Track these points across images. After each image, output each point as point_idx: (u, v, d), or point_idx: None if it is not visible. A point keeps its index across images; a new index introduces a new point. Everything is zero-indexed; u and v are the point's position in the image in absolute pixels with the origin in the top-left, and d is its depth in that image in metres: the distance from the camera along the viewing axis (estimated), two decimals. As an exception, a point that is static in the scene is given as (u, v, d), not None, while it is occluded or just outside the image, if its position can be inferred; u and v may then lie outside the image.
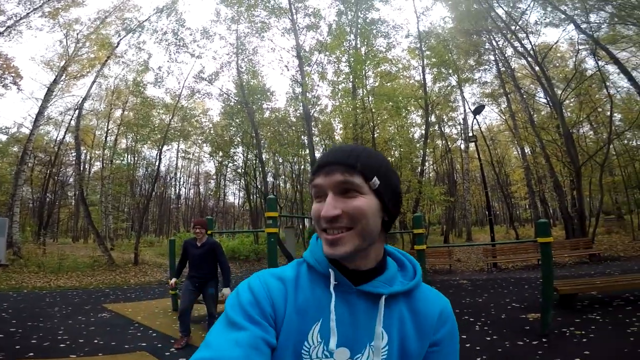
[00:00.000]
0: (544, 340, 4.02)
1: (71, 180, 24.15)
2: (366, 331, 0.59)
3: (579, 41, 13.51)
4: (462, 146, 23.33)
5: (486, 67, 19.56)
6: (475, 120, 16.42)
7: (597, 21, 12.70)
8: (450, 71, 16.51)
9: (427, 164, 20.79)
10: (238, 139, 19.63)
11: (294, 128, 20.39)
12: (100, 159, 22.49)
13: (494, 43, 17.78)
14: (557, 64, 17.96)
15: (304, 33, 15.88)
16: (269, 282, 0.62)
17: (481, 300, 6.53)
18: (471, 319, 5.13)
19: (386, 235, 0.65)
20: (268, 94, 18.09)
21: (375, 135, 14.49)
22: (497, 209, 35.14)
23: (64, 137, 21.20)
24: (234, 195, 39.03)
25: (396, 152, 17.93)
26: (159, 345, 4.39)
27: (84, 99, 15.75)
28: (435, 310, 0.64)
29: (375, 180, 0.59)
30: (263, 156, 18.69)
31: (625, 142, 17.65)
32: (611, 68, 14.33)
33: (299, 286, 0.62)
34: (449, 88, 18.26)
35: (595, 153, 13.13)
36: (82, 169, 21.96)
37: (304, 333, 0.58)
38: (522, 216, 31.50)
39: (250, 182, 21.01)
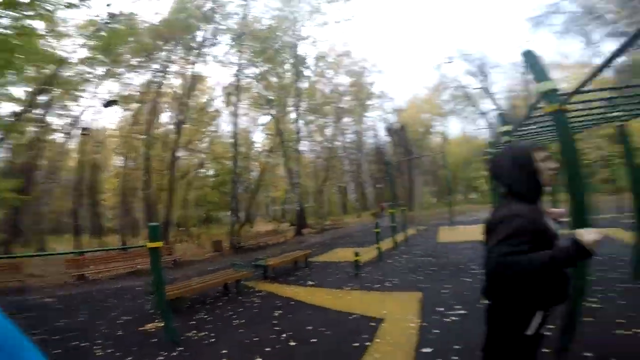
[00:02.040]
0: (180, 349, 3.81)
1: None
2: None
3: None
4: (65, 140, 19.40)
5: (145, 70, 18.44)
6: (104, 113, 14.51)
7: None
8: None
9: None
10: None
11: None
12: None
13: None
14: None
15: None
16: None
17: (83, 319, 5.54)
18: (83, 344, 4.21)
19: None
20: None
21: None
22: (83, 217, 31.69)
23: None
24: None
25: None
26: None
27: None
28: None
29: None
30: None
31: (203, 170, 23.09)
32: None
33: None
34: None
35: (187, 174, 16.20)
36: None
37: None
38: (107, 225, 30.67)
39: None
